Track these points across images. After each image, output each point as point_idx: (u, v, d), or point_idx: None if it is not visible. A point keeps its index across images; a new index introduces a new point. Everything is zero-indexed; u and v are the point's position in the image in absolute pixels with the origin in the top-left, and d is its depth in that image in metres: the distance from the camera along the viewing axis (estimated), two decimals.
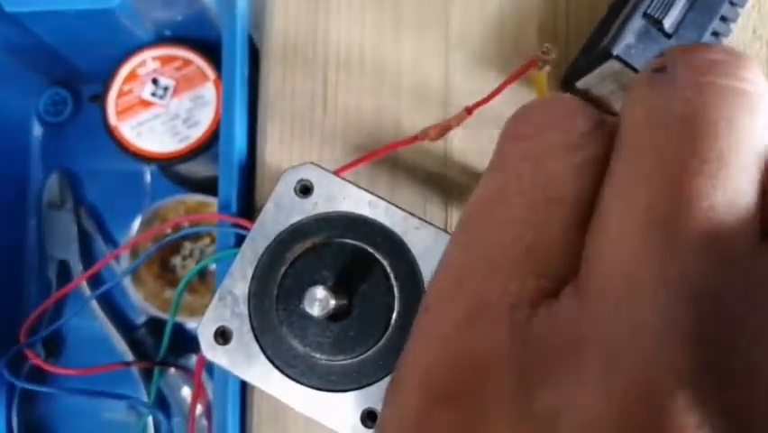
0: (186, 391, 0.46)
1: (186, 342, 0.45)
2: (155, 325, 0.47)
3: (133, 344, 0.47)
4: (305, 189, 0.27)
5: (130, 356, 0.47)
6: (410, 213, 0.27)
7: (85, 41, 0.42)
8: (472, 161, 0.36)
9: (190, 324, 0.46)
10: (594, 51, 0.33)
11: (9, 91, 0.49)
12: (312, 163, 0.27)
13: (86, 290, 0.47)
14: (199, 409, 0.45)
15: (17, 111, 0.50)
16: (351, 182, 0.27)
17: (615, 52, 0.30)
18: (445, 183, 0.36)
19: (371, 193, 0.27)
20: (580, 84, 0.34)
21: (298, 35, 0.38)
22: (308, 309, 0.22)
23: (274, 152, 0.37)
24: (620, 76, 0.31)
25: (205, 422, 0.44)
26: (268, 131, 0.38)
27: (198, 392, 0.33)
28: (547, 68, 0.25)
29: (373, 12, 0.38)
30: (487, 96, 0.26)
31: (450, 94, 0.37)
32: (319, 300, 0.22)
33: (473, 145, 0.35)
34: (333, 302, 0.22)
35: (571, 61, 0.36)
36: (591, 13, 0.36)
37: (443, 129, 0.27)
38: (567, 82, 0.36)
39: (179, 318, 0.45)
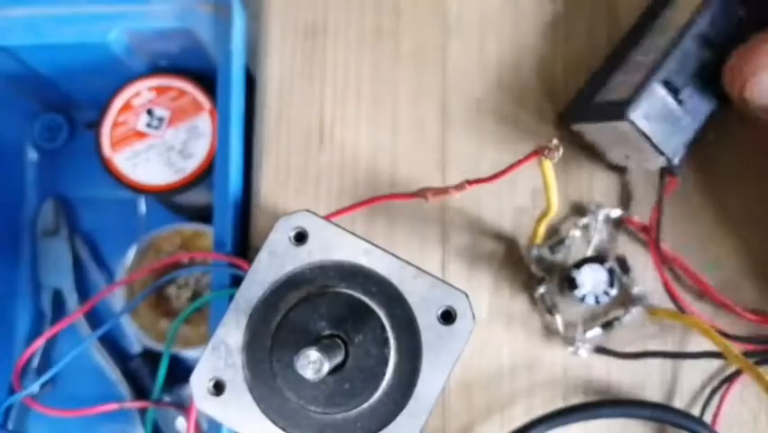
0: (181, 423, 0.46)
1: (181, 372, 0.45)
2: (150, 355, 0.47)
3: (128, 373, 0.47)
4: (299, 237, 0.27)
5: (125, 387, 0.46)
6: (407, 262, 0.26)
7: (79, 72, 0.42)
8: (470, 209, 0.35)
9: (185, 353, 0.46)
10: (597, 102, 0.33)
11: (3, 116, 0.49)
12: (307, 211, 0.27)
13: (83, 322, 0.46)
14: None
15: (12, 136, 0.50)
16: (346, 230, 0.27)
17: (631, 118, 0.30)
18: (443, 227, 0.35)
19: (367, 241, 0.27)
20: (575, 127, 0.34)
21: (294, 68, 0.38)
22: (301, 372, 0.22)
23: (270, 186, 0.37)
24: (624, 134, 0.31)
25: None
26: (263, 165, 0.37)
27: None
28: (552, 161, 0.25)
29: (371, 46, 0.37)
30: (490, 175, 0.26)
31: (447, 129, 0.36)
32: (312, 363, 0.22)
33: (471, 194, 0.35)
34: (326, 364, 0.22)
35: (570, 101, 0.35)
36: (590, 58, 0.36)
37: (442, 195, 0.27)
38: (563, 119, 0.35)
39: (175, 349, 0.45)
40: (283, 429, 0.26)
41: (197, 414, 0.41)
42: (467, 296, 0.26)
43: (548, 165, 0.25)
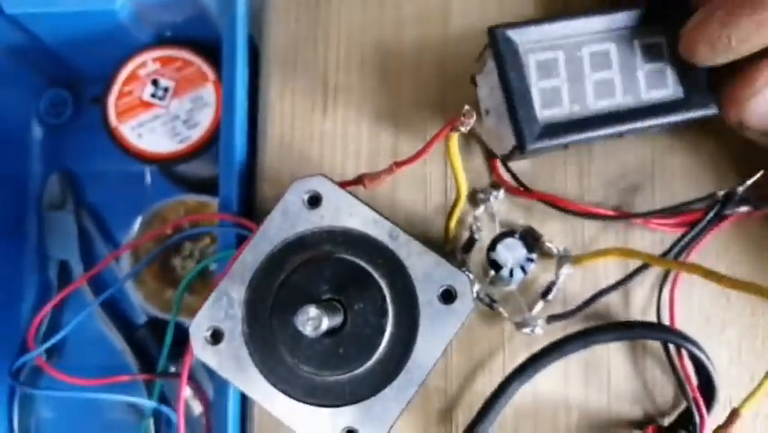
0: (187, 391, 0.46)
1: (187, 342, 0.45)
2: (156, 325, 0.47)
3: (134, 343, 0.47)
4: (313, 201, 0.27)
5: (130, 356, 0.47)
6: (414, 237, 0.26)
7: (85, 42, 0.42)
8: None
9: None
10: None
11: (9, 92, 0.49)
12: (322, 175, 0.27)
13: (88, 291, 0.47)
14: (200, 408, 0.45)
15: (17, 112, 0.50)
16: (359, 199, 0.27)
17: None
18: (448, 196, 0.35)
19: (378, 213, 0.27)
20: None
21: (299, 36, 0.38)
22: (300, 328, 0.22)
23: (274, 153, 0.37)
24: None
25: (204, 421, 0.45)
26: (268, 132, 0.37)
27: (184, 387, 0.33)
28: (462, 129, 0.24)
29: (375, 12, 0.37)
30: (413, 155, 0.27)
31: (449, 94, 0.37)
32: (311, 319, 0.22)
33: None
34: (325, 322, 0.22)
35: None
36: None
37: (376, 180, 0.28)
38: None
39: (180, 318, 0.45)
40: (274, 385, 0.26)
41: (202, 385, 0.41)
42: (469, 278, 0.26)
43: (453, 142, 0.25)
